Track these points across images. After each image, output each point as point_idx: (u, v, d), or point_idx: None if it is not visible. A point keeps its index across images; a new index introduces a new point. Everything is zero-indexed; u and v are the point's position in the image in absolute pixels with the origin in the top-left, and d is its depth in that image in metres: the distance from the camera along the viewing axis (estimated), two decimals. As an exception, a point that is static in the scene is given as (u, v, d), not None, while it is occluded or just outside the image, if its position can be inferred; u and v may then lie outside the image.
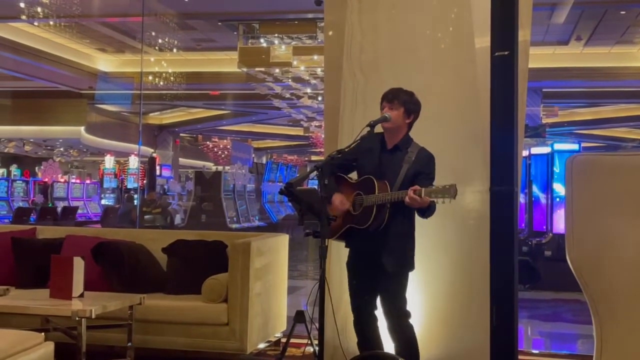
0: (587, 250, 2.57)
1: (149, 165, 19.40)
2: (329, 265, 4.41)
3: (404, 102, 3.71)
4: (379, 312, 3.80)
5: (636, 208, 2.53)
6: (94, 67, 17.74)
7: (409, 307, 3.76)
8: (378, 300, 3.79)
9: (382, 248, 3.62)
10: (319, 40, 13.74)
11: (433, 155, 3.70)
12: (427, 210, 3.53)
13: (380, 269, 3.66)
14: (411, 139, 3.75)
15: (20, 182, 19.56)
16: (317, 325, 3.53)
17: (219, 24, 14.54)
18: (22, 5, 11.82)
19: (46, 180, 19.86)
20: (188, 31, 14.83)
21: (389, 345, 3.82)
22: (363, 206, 3.59)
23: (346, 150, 3.65)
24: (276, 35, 14.42)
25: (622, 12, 12.80)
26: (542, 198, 10.47)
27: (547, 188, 10.31)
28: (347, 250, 3.93)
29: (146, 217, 13.36)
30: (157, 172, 21.26)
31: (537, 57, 13.60)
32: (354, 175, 3.89)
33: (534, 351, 5.53)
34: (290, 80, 15.94)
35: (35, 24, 13.90)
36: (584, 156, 2.73)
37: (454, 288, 4.27)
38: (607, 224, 2.55)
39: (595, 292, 2.57)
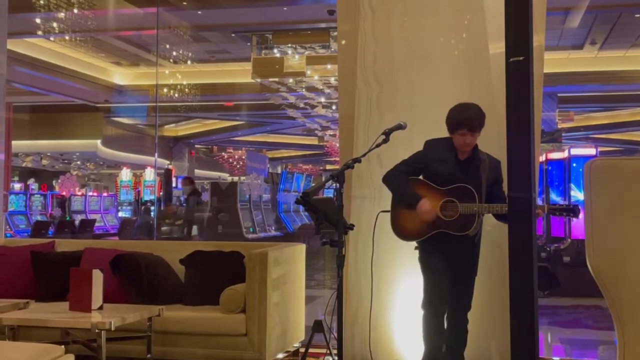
0: (608, 256, 2.55)
1: (165, 177, 19.46)
2: (347, 274, 4.40)
3: (481, 127, 3.80)
4: None
5: (656, 212, 2.50)
6: (110, 81, 17.88)
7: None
8: None
9: (470, 253, 3.86)
10: (333, 49, 13.78)
11: (499, 160, 3.86)
12: None
13: (463, 272, 3.89)
14: (477, 147, 3.87)
15: (38, 195, 19.69)
16: (335, 334, 3.52)
17: (233, 35, 14.62)
18: (38, 20, 11.95)
19: (64, 193, 19.96)
20: (202, 43, 14.92)
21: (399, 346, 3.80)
22: (460, 213, 3.69)
23: (362, 160, 3.75)
24: (289, 45, 14.47)
25: (637, 16, 12.72)
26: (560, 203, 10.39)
27: (564, 193, 10.23)
28: (364, 258, 3.93)
29: (163, 228, 13.42)
30: (174, 184, 21.33)
31: (552, 61, 13.55)
32: None
33: (555, 358, 5.49)
34: (304, 89, 15.97)
35: (51, 39, 14.04)
36: (602, 161, 2.72)
37: (473, 295, 4.25)
38: (627, 229, 2.53)
39: (616, 297, 2.55)
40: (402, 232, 3.90)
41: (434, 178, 3.83)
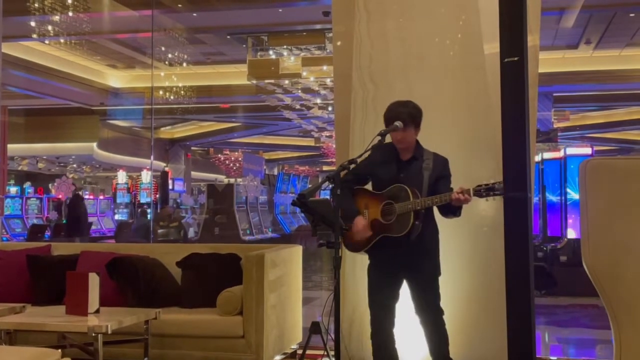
0: (604, 255, 2.55)
1: (162, 180, 19.45)
2: (344, 276, 4.40)
3: (415, 123, 3.71)
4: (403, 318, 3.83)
5: (652, 211, 2.51)
6: (105, 84, 17.86)
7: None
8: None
9: (420, 252, 3.69)
10: (328, 50, 13.77)
11: (447, 158, 3.78)
12: (458, 209, 3.61)
13: (417, 274, 3.73)
14: (422, 147, 3.79)
15: (34, 199, 19.69)
16: (332, 335, 3.52)
17: (228, 37, 14.61)
18: (32, 24, 11.92)
19: (60, 196, 19.95)
20: (197, 45, 14.91)
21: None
22: (397, 214, 3.60)
23: (358, 161, 3.68)
24: (285, 46, 14.47)
25: (631, 15, 12.75)
26: (556, 203, 10.40)
27: (560, 193, 10.24)
28: (362, 259, 3.92)
29: (160, 231, 13.40)
30: (170, 186, 21.32)
31: (547, 61, 13.57)
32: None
33: (552, 358, 5.49)
34: (300, 91, 15.98)
35: (47, 42, 14.02)
36: (597, 160, 2.72)
37: (470, 295, 4.25)
38: (623, 228, 2.53)
39: (612, 297, 2.55)
40: (350, 244, 3.83)
41: (378, 182, 3.77)
